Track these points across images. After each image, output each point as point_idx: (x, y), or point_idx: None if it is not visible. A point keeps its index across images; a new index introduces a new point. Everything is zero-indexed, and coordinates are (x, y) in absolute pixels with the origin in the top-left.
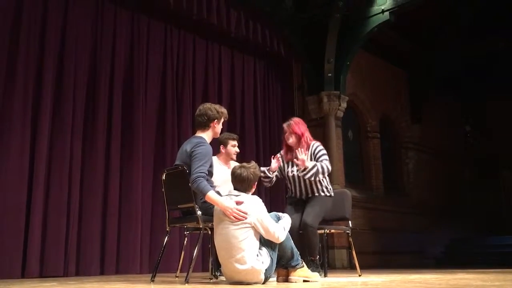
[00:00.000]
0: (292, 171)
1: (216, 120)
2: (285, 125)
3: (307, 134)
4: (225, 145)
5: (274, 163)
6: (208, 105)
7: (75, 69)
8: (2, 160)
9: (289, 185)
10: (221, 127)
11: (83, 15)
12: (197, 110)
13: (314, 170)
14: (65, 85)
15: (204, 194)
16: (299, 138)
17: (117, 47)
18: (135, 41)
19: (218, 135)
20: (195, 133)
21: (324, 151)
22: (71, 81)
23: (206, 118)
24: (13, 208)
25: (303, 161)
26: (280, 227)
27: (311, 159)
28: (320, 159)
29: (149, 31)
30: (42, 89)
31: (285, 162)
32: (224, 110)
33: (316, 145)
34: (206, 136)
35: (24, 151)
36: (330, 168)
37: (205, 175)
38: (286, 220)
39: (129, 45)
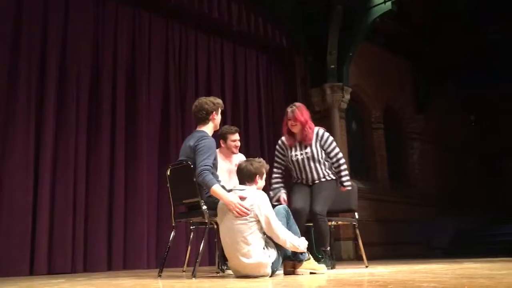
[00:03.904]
0: (296, 155)
1: (214, 112)
2: (289, 111)
3: (310, 121)
4: (225, 140)
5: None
6: (202, 99)
7: (77, 66)
8: (8, 160)
9: (293, 169)
10: (220, 117)
11: (84, 12)
12: (193, 107)
13: (346, 173)
14: (68, 82)
15: (209, 187)
16: (303, 126)
17: (119, 44)
18: (137, 37)
19: (218, 126)
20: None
21: (333, 141)
22: (74, 78)
23: (204, 112)
24: (20, 207)
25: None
26: (288, 233)
27: (318, 146)
28: (334, 153)
29: (150, 26)
30: (45, 87)
31: (287, 146)
32: (219, 101)
33: (321, 132)
34: (207, 129)
35: (29, 150)
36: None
37: (210, 168)
38: (300, 240)
39: (131, 41)
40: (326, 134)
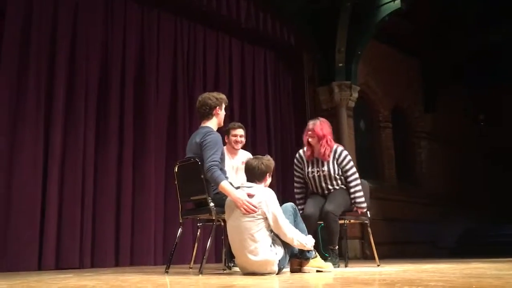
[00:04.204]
0: (312, 171)
1: (217, 107)
2: (310, 123)
3: (329, 137)
4: (228, 135)
5: None
6: (206, 94)
7: (86, 63)
8: (17, 156)
9: (309, 183)
10: (224, 113)
11: (94, 9)
12: (197, 102)
13: (361, 194)
14: (77, 79)
15: (217, 183)
16: (319, 140)
17: (127, 41)
18: (146, 34)
19: (222, 122)
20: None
21: (351, 160)
22: (83, 75)
23: (207, 107)
24: (29, 202)
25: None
26: (295, 231)
27: (335, 163)
28: (347, 174)
29: (159, 23)
30: (54, 83)
31: (305, 160)
32: (222, 96)
33: (339, 150)
34: (212, 124)
35: (38, 145)
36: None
37: (218, 163)
38: (308, 238)
39: (139, 38)
40: (344, 153)
